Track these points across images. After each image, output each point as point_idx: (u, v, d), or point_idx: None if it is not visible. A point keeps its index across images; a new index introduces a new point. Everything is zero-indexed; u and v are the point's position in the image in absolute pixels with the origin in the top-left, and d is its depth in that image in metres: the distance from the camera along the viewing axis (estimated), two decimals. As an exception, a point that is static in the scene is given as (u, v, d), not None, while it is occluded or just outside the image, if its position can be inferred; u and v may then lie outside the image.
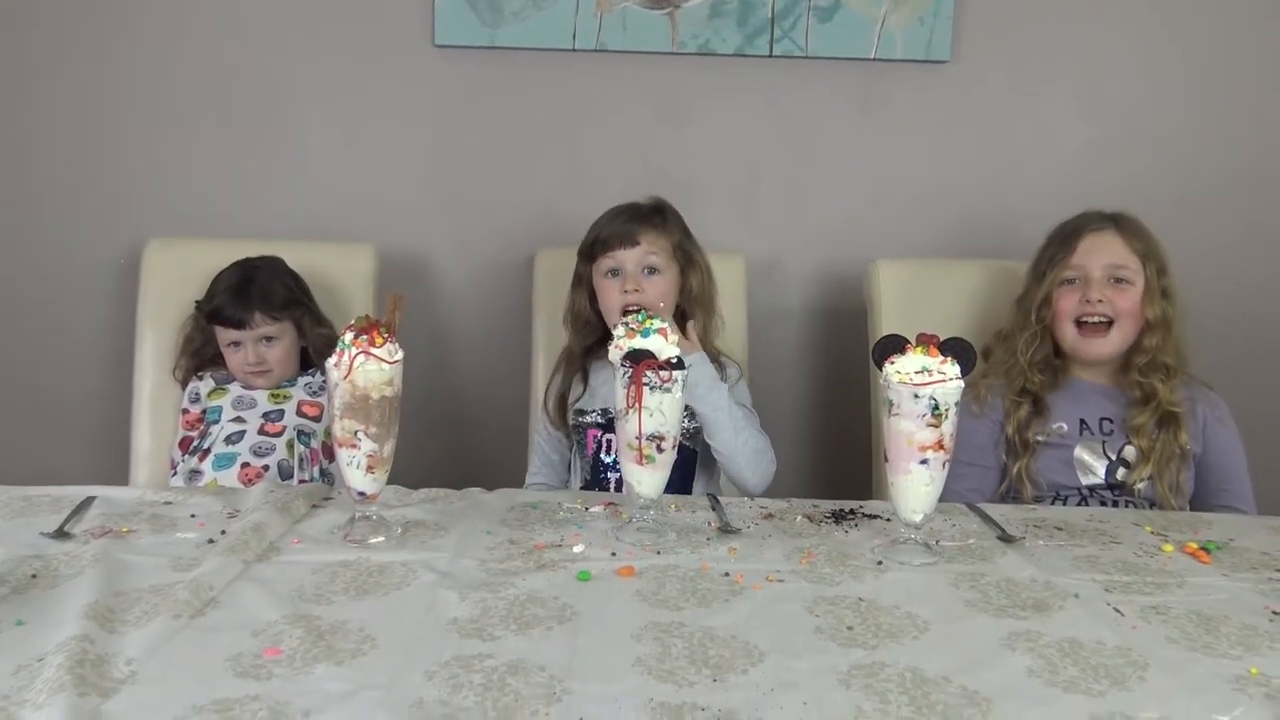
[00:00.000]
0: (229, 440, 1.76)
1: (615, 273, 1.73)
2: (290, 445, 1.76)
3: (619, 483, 1.71)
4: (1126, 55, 2.17)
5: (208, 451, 1.76)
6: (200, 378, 1.84)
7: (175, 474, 1.79)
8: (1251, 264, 2.22)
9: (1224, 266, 2.18)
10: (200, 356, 1.87)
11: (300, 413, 1.80)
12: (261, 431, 1.77)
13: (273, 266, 1.84)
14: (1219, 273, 2.15)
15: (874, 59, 2.11)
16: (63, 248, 2.14)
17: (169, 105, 2.11)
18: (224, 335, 1.81)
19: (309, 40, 2.11)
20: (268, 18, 2.09)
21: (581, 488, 1.75)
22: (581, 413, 1.77)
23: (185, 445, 1.80)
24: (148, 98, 2.11)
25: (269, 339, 1.79)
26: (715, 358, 1.77)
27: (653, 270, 1.73)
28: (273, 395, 1.81)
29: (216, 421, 1.79)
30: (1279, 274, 2.23)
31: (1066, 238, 1.74)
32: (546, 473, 1.83)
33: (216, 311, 1.79)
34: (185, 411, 1.83)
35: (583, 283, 1.78)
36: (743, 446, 1.65)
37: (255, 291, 1.79)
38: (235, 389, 1.82)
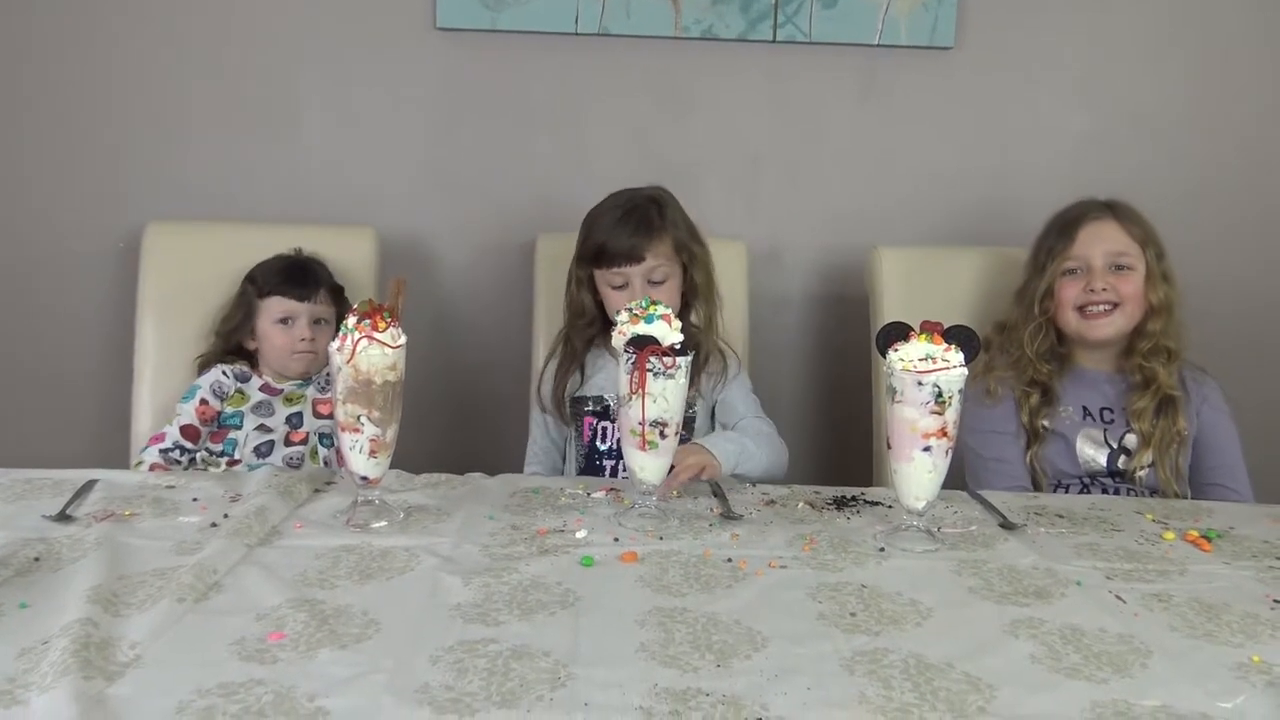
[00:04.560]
0: (258, 453, 1.72)
1: (622, 283, 1.69)
2: (314, 452, 1.74)
3: (614, 470, 1.72)
4: (1130, 44, 2.16)
5: (236, 462, 1.70)
6: (225, 374, 1.75)
7: (163, 449, 1.68)
8: (1250, 253, 2.22)
9: (1224, 255, 2.17)
10: (228, 340, 1.81)
11: (317, 414, 1.77)
12: (288, 442, 1.74)
13: (321, 262, 1.85)
14: (1219, 261, 2.15)
15: (878, 45, 2.10)
16: (61, 232, 2.13)
17: (168, 88, 2.10)
18: (276, 310, 1.76)
19: (310, 23, 2.09)
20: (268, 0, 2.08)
21: (577, 475, 1.75)
22: (578, 401, 1.76)
23: (191, 434, 1.71)
24: (146, 81, 2.09)
25: (319, 321, 1.78)
26: (716, 348, 1.76)
27: (660, 280, 1.69)
28: (287, 399, 1.77)
29: (238, 427, 1.73)
30: (1278, 263, 2.23)
31: (1065, 228, 1.74)
32: (544, 459, 1.81)
33: (283, 280, 1.77)
34: (204, 402, 1.72)
35: (583, 281, 1.74)
36: (767, 469, 1.63)
37: (317, 270, 1.82)
38: (255, 393, 1.76)
